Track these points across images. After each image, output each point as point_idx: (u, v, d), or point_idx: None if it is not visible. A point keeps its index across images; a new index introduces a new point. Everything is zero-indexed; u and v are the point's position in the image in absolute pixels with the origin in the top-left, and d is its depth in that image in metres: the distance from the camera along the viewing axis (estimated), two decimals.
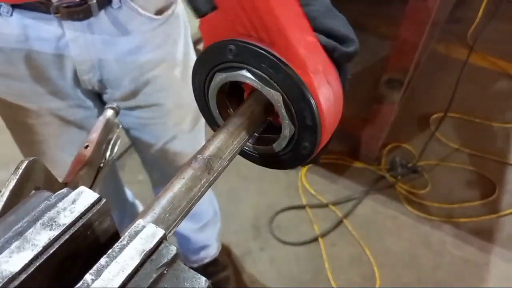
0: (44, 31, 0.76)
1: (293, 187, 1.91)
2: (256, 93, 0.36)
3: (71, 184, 0.45)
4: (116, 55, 0.83)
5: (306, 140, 0.35)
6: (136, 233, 0.23)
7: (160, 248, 0.23)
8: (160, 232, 0.23)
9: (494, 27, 1.63)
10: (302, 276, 1.63)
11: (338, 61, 0.37)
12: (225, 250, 1.66)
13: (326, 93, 0.34)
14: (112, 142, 0.56)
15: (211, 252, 1.53)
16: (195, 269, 0.23)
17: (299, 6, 0.34)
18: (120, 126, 0.59)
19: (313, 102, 0.33)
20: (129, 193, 1.40)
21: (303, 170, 1.95)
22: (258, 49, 0.33)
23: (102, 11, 0.77)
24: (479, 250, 1.70)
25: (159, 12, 0.84)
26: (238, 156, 0.37)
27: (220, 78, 0.37)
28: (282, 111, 0.34)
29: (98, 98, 0.97)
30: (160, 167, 1.16)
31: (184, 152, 1.10)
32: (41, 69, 0.82)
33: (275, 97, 0.34)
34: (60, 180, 0.43)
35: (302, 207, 1.84)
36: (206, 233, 1.45)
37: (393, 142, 2.08)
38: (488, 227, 1.77)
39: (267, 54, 0.32)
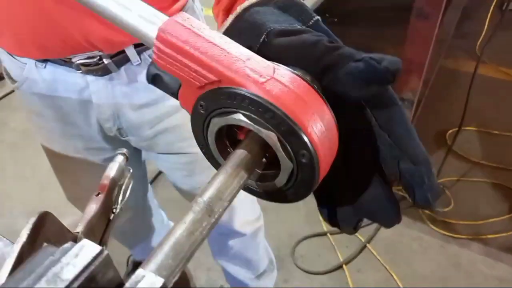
0: (70, 83, 0.81)
1: (313, 214, 1.89)
2: (252, 133, 0.37)
3: (84, 232, 0.46)
4: (135, 106, 0.86)
5: (304, 176, 0.36)
6: (136, 282, 0.24)
7: None
8: (159, 281, 0.23)
9: (503, 38, 1.61)
10: None
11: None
12: None
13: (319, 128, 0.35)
14: (123, 187, 0.58)
15: None
16: None
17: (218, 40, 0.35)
18: (131, 171, 0.61)
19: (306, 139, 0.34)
20: (163, 214, 1.44)
21: None
22: (213, 93, 0.35)
23: (122, 67, 0.80)
24: None
25: None
26: None
27: (214, 123, 0.38)
28: (279, 150, 0.35)
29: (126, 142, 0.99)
30: None
31: None
32: (67, 114, 0.88)
33: (270, 137, 0.35)
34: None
35: (323, 234, 1.81)
36: (263, 281, 1.44)
37: None
38: None
39: (218, 91, 0.34)
